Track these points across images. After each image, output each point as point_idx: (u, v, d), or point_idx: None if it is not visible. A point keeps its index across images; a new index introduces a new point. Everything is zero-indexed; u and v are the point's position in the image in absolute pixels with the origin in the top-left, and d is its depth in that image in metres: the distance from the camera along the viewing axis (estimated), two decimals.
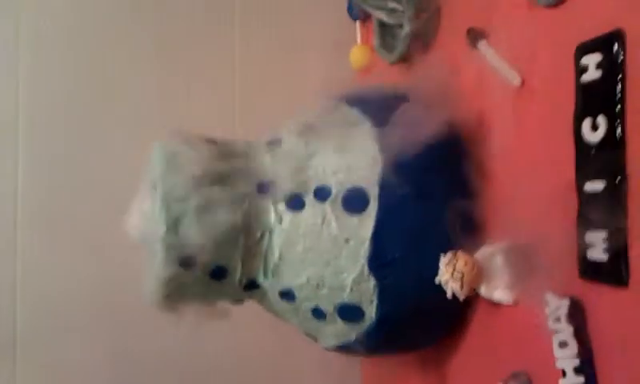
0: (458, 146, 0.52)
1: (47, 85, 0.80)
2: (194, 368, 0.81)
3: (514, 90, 0.49)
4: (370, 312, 0.51)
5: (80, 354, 0.78)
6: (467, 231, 0.50)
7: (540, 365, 0.45)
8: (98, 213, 0.77)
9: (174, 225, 0.49)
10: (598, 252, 0.39)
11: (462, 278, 0.48)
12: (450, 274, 0.48)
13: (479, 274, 0.48)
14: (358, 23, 0.79)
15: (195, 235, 0.50)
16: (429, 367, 0.61)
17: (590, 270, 0.40)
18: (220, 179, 0.51)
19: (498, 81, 0.50)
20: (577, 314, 0.41)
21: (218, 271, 0.51)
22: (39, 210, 0.80)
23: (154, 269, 0.50)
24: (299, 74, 0.85)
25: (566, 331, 0.40)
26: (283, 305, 0.53)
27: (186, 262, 0.50)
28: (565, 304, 0.41)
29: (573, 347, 0.40)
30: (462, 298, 0.48)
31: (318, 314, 0.52)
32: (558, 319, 0.41)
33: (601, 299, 0.40)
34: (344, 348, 0.55)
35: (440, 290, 0.49)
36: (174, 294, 0.52)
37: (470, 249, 0.49)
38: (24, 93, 0.80)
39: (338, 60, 0.80)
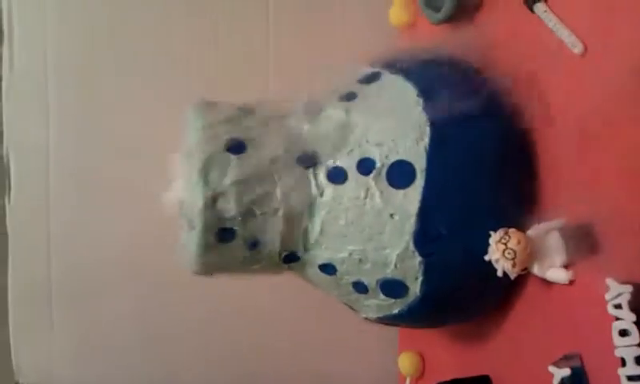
0: (512, 118, 0.49)
1: (75, 38, 0.78)
2: (224, 329, 0.80)
3: (575, 57, 0.46)
4: (415, 288, 0.49)
5: (111, 310, 0.78)
6: (521, 207, 0.48)
7: (595, 349, 0.43)
8: (130, 170, 0.76)
9: (211, 198, 0.48)
10: None
11: (514, 257, 0.45)
12: (501, 252, 0.46)
13: (532, 253, 0.46)
14: None
15: (234, 209, 0.48)
16: (472, 339, 0.59)
17: None
18: (259, 148, 0.49)
19: (556, 47, 0.47)
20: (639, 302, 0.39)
21: (257, 244, 0.50)
22: (71, 167, 0.78)
23: (192, 241, 0.49)
24: (337, 27, 0.81)
25: (627, 319, 0.38)
26: (323, 277, 0.52)
27: (224, 236, 0.49)
28: (627, 290, 0.38)
29: (635, 336, 0.38)
30: (513, 276, 0.46)
31: (359, 287, 0.51)
32: (618, 306, 0.39)
33: None
34: (385, 320, 0.53)
35: (489, 267, 0.46)
36: (212, 265, 0.51)
37: (524, 226, 0.46)
38: (52, 45, 0.78)
39: (378, 16, 0.76)
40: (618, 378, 0.39)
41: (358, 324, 0.76)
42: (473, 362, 0.58)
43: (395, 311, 0.51)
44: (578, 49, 0.45)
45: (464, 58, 0.54)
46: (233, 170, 0.48)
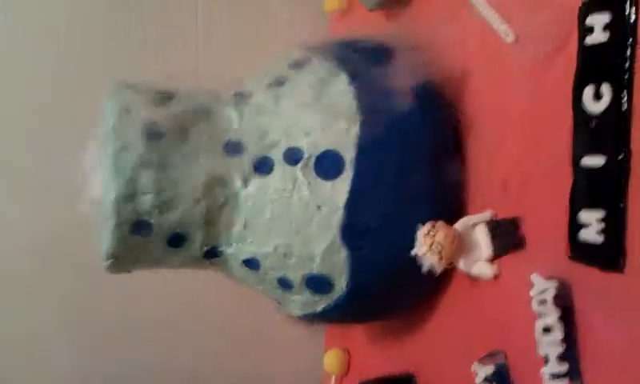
0: (442, 108, 0.48)
1: None
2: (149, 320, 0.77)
3: (506, 46, 0.45)
4: (341, 284, 0.47)
5: (27, 303, 0.73)
6: (448, 200, 0.47)
7: (519, 347, 0.42)
8: (47, 161, 0.71)
9: (126, 186, 0.44)
10: (592, 233, 0.37)
11: (440, 251, 0.45)
12: (428, 246, 0.45)
13: (459, 246, 0.45)
14: None
15: (151, 198, 0.45)
16: (398, 336, 0.58)
17: (582, 252, 0.38)
18: (180, 137, 0.46)
19: (488, 36, 0.46)
20: (564, 298, 0.38)
21: (177, 238, 0.47)
22: None
23: (105, 233, 0.45)
24: (270, 11, 0.79)
25: (551, 315, 0.38)
26: (246, 273, 0.50)
27: (140, 228, 0.45)
28: (552, 286, 0.38)
29: (558, 333, 0.38)
30: (439, 271, 0.45)
31: (284, 283, 0.49)
32: (543, 302, 0.38)
33: (591, 284, 0.37)
34: (310, 317, 0.51)
35: (415, 262, 0.46)
36: (127, 259, 0.47)
37: (451, 219, 0.46)
38: None
39: (312, 1, 0.74)
40: (540, 375, 0.39)
41: (283, 320, 0.75)
42: (398, 359, 0.57)
43: (320, 308, 0.49)
44: (509, 37, 0.45)
45: (397, 46, 0.53)
46: (150, 157, 0.45)
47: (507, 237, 0.44)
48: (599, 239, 0.36)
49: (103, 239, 0.46)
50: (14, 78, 0.73)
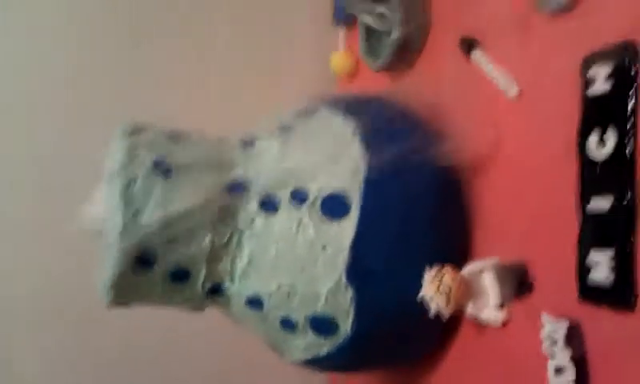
0: (448, 159, 0.49)
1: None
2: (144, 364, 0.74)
3: (510, 101, 0.46)
4: (345, 326, 0.46)
5: (29, 351, 0.71)
6: (455, 246, 0.47)
7: None
8: (53, 205, 0.71)
9: (132, 217, 0.44)
10: (602, 272, 0.36)
11: (448, 294, 0.44)
12: (435, 288, 0.44)
13: (467, 291, 0.45)
14: (342, 30, 0.76)
15: (156, 232, 0.45)
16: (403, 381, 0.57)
17: (592, 292, 0.37)
18: (186, 173, 0.46)
19: (493, 92, 0.48)
20: (575, 339, 0.38)
21: (180, 273, 0.46)
22: None
23: (109, 265, 0.45)
24: (278, 77, 0.81)
25: (562, 356, 0.37)
26: (249, 313, 0.49)
27: (143, 260, 0.45)
28: (563, 326, 0.37)
29: (570, 373, 0.37)
30: (446, 315, 0.44)
31: (287, 324, 0.48)
32: (554, 343, 0.38)
33: (602, 323, 0.37)
34: (313, 363, 0.50)
35: (422, 306, 0.45)
36: (129, 293, 0.47)
37: (458, 265, 0.45)
38: None
39: (319, 66, 0.76)
40: None
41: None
42: None
43: (324, 351, 0.48)
44: (513, 92, 0.46)
45: (402, 101, 0.54)
46: (157, 193, 0.45)
47: (515, 282, 0.44)
48: (610, 278, 0.36)
49: (105, 271, 0.45)
50: (17, 122, 0.74)
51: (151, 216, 0.44)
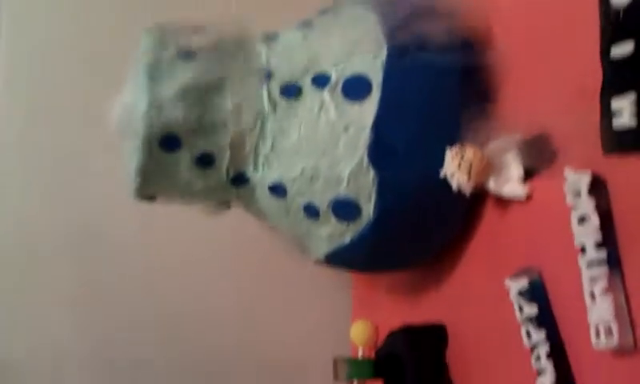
0: (469, 31, 0.49)
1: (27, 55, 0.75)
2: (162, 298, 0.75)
3: None
4: (368, 209, 0.47)
5: (47, 280, 0.72)
6: (477, 124, 0.47)
7: (554, 262, 0.41)
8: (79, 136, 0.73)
9: (157, 99, 0.45)
10: (625, 118, 0.36)
11: (469, 170, 0.44)
12: (456, 164, 0.44)
13: (488, 166, 0.44)
14: None
15: (180, 114, 0.45)
16: (427, 303, 0.56)
17: (616, 141, 0.37)
18: (211, 60, 0.47)
19: None
20: (599, 191, 0.37)
21: (204, 158, 0.47)
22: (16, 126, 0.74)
23: (135, 149, 0.46)
24: None
25: (586, 205, 0.37)
26: (273, 202, 0.49)
27: (168, 143, 0.46)
28: (586, 177, 0.37)
29: (594, 221, 0.36)
30: (468, 191, 0.44)
31: (310, 211, 0.48)
32: (577, 194, 0.37)
33: (627, 176, 0.36)
34: (336, 256, 0.50)
35: (445, 186, 0.45)
36: (155, 179, 0.47)
37: (481, 143, 0.45)
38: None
39: None
40: (577, 289, 0.37)
41: (310, 293, 0.73)
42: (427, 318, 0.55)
43: (347, 240, 0.48)
44: None
45: None
46: (181, 75, 0.46)
47: (538, 154, 0.44)
48: (633, 122, 0.35)
49: (132, 156, 0.46)
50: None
51: (175, 99, 0.45)
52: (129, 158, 0.47)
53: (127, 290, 0.74)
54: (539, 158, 0.43)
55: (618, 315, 0.35)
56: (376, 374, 0.54)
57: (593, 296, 0.36)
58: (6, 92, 0.75)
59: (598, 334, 0.35)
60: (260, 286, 0.74)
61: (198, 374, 0.74)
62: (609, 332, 0.35)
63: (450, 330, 0.53)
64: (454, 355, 0.53)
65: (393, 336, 0.54)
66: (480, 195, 0.47)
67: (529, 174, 0.44)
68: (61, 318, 0.73)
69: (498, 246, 0.47)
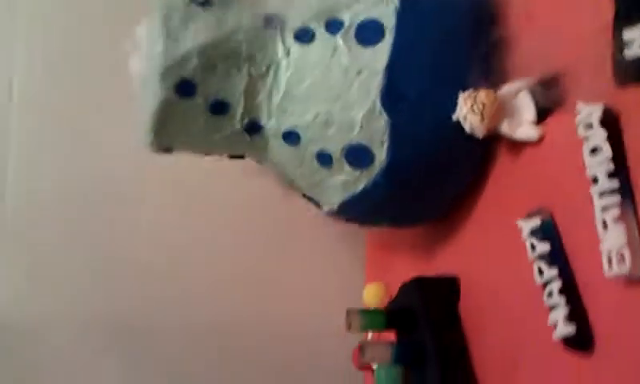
0: None
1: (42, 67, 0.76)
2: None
3: None
4: (380, 155, 0.47)
5: (62, 245, 0.73)
6: (489, 69, 0.47)
7: (567, 202, 0.41)
8: (98, 105, 0.74)
9: (172, 46, 0.46)
10: (637, 48, 0.36)
11: (482, 112, 0.44)
12: (469, 107, 0.44)
13: (501, 108, 0.45)
14: None
15: (195, 59, 0.46)
16: (437, 249, 0.56)
17: (629, 72, 0.36)
18: (224, 5, 0.48)
19: None
20: (611, 122, 0.37)
21: (219, 105, 0.48)
22: (36, 95, 0.75)
23: (149, 96, 0.47)
24: None
25: (598, 135, 0.37)
26: (286, 151, 0.50)
27: (183, 89, 0.47)
28: (597, 109, 0.37)
29: (606, 151, 0.36)
30: (481, 134, 0.44)
31: (323, 159, 0.49)
32: (589, 125, 0.37)
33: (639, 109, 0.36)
34: (350, 205, 0.50)
35: (458, 131, 0.45)
36: (170, 128, 0.48)
37: (493, 86, 0.45)
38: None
39: None
40: (590, 226, 0.37)
41: (324, 257, 0.74)
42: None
43: (360, 187, 0.49)
44: None
45: None
46: (196, 21, 0.47)
47: (550, 95, 0.44)
48: None
49: (147, 103, 0.47)
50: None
51: (190, 44, 0.46)
52: (144, 106, 0.48)
53: (138, 258, 0.75)
54: (552, 98, 0.43)
55: (630, 243, 0.35)
56: (388, 325, 0.54)
57: (605, 225, 0.36)
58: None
59: (610, 262, 0.35)
60: (272, 252, 0.74)
61: (210, 343, 0.75)
62: (621, 259, 0.35)
63: (463, 284, 0.53)
64: (467, 308, 0.53)
65: (405, 288, 0.54)
66: (492, 142, 0.47)
67: (542, 116, 0.44)
68: (74, 284, 0.74)
69: (511, 191, 0.47)
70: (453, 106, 0.45)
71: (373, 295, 0.65)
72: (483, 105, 0.44)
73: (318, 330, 0.73)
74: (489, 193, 0.50)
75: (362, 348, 0.52)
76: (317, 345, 0.74)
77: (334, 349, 0.70)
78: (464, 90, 0.45)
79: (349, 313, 0.53)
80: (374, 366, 0.64)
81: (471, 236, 0.52)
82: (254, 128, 0.49)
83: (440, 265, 0.57)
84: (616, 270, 0.35)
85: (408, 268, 0.63)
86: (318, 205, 0.53)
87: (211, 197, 0.74)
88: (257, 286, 0.74)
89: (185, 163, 0.69)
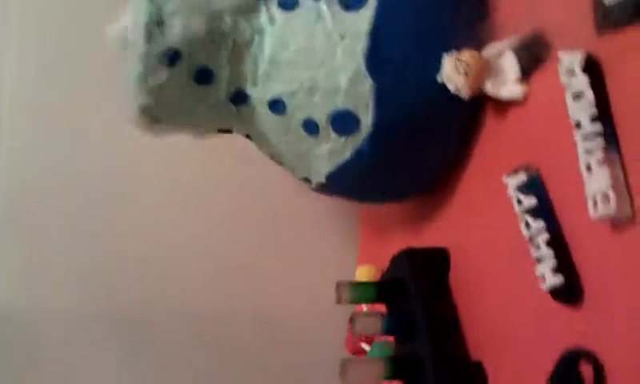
0: None
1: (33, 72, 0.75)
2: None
3: None
4: (366, 120, 0.47)
5: (61, 238, 0.73)
6: (475, 33, 0.47)
7: (554, 158, 0.41)
8: (88, 99, 0.74)
9: (156, 13, 0.46)
10: None
11: (466, 72, 0.44)
12: (454, 66, 0.44)
13: (486, 67, 0.44)
14: None
15: (179, 26, 0.46)
16: (429, 214, 0.56)
17: (610, 18, 0.37)
18: None
19: None
20: (593, 69, 0.37)
21: (204, 73, 0.48)
22: (27, 92, 0.75)
23: (134, 65, 0.47)
24: None
25: (580, 81, 0.36)
26: (272, 120, 0.49)
27: (168, 57, 0.47)
28: (579, 56, 0.37)
29: (588, 96, 0.36)
30: (466, 94, 0.44)
31: (310, 127, 0.48)
32: (571, 72, 0.37)
33: (620, 54, 0.36)
34: (337, 175, 0.50)
35: (443, 94, 0.45)
36: (155, 100, 0.48)
37: (477, 46, 0.45)
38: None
39: None
40: (575, 178, 0.37)
41: (316, 240, 0.73)
42: None
43: (347, 155, 0.48)
44: None
45: None
46: None
47: (534, 52, 0.43)
48: None
49: (132, 72, 0.47)
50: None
51: (174, 12, 0.46)
52: (129, 74, 0.48)
53: (137, 251, 0.74)
54: (536, 56, 0.43)
55: (614, 186, 0.35)
56: (379, 297, 0.53)
57: (589, 168, 0.35)
58: None
59: (595, 204, 0.35)
60: (267, 244, 0.74)
61: (208, 334, 0.74)
62: (606, 200, 0.34)
63: (454, 256, 0.53)
64: (458, 280, 0.52)
65: (396, 259, 0.53)
66: (477, 105, 0.47)
67: (526, 74, 0.44)
68: (73, 277, 0.73)
69: (498, 153, 0.47)
70: (437, 68, 0.45)
71: (364, 277, 0.65)
72: (468, 65, 0.44)
73: (311, 317, 0.73)
74: (475, 159, 0.50)
75: (352, 320, 0.51)
76: (310, 332, 0.73)
77: (327, 335, 0.69)
78: (448, 51, 0.45)
79: (338, 285, 0.53)
80: (367, 348, 0.64)
81: (460, 206, 0.52)
82: (239, 97, 0.49)
83: (431, 242, 0.56)
84: (601, 211, 0.35)
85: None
86: (307, 180, 0.53)
87: (206, 189, 0.73)
88: (251, 277, 0.74)
89: (181, 159, 0.70)
